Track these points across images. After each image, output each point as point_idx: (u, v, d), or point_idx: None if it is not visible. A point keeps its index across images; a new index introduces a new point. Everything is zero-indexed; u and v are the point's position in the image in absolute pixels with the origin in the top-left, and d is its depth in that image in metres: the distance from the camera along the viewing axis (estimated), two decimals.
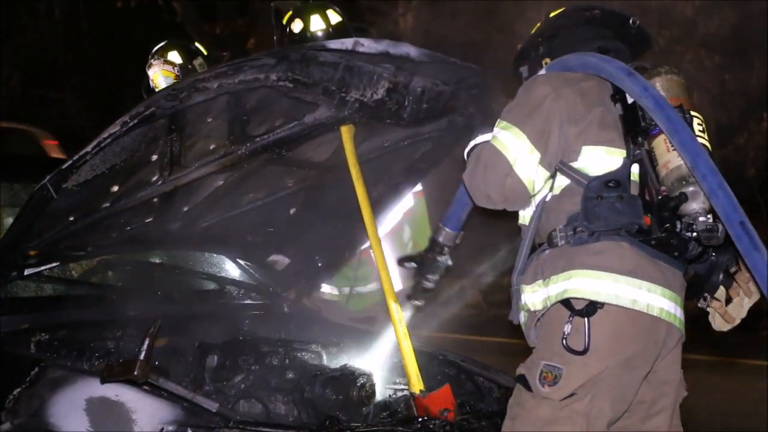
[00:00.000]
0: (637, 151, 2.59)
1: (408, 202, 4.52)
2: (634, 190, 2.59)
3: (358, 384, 3.06)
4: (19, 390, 2.55)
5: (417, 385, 3.02)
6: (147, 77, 4.27)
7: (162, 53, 4.31)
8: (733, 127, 11.92)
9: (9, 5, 15.23)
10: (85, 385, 2.57)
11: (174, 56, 4.29)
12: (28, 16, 16.66)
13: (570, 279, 2.53)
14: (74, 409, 2.51)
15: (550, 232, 2.62)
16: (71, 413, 2.51)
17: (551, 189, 2.67)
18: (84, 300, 3.44)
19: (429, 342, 3.67)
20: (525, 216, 2.75)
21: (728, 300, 2.70)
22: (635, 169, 2.60)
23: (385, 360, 3.46)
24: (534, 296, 2.63)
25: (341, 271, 4.36)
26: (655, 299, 2.54)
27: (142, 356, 2.52)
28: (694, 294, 2.69)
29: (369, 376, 3.12)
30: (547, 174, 2.64)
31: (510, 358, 3.04)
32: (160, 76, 4.21)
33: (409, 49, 3.12)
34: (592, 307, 2.50)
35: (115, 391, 2.53)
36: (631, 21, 2.84)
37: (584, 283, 2.52)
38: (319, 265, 4.07)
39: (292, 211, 3.83)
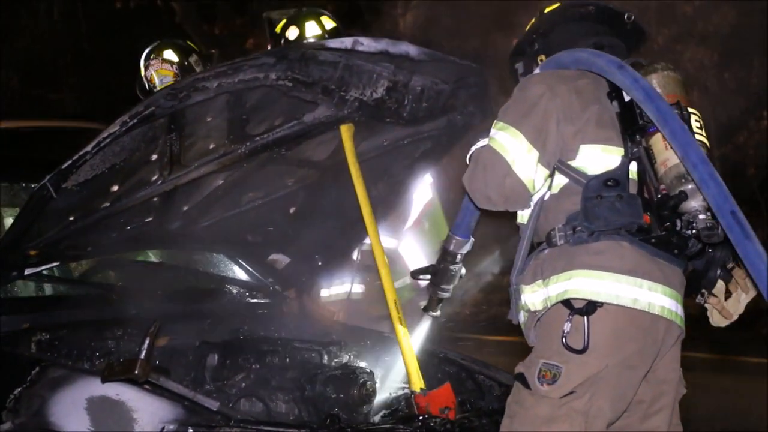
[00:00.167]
0: (635, 149, 2.58)
1: (426, 194, 4.53)
2: (633, 189, 2.58)
3: (359, 382, 3.07)
4: (19, 389, 2.56)
5: (417, 383, 3.02)
6: (141, 79, 4.26)
7: (158, 52, 4.31)
8: (732, 125, 11.89)
9: (8, 5, 15.21)
10: (85, 385, 2.57)
11: (170, 54, 4.29)
12: (27, 17, 16.64)
13: (570, 279, 2.53)
14: (75, 408, 2.51)
15: (549, 231, 2.61)
16: (72, 413, 2.51)
17: (549, 188, 2.66)
18: (84, 300, 3.45)
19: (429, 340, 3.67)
20: (523, 215, 2.74)
21: (726, 296, 2.70)
22: (633, 167, 2.59)
23: (385, 358, 3.47)
24: (534, 296, 2.62)
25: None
26: (655, 297, 2.53)
27: (142, 355, 2.52)
28: (691, 290, 2.68)
29: (370, 374, 3.13)
30: (546, 173, 2.63)
31: (510, 357, 3.04)
32: (159, 75, 4.20)
33: (409, 48, 3.12)
34: (591, 306, 2.49)
35: (116, 391, 2.53)
36: (626, 16, 2.83)
37: (585, 283, 2.51)
38: (319, 264, 4.07)
39: (292, 210, 3.84)
